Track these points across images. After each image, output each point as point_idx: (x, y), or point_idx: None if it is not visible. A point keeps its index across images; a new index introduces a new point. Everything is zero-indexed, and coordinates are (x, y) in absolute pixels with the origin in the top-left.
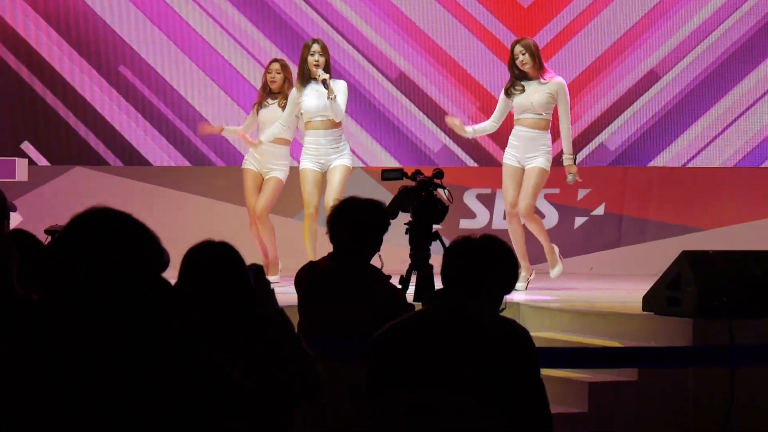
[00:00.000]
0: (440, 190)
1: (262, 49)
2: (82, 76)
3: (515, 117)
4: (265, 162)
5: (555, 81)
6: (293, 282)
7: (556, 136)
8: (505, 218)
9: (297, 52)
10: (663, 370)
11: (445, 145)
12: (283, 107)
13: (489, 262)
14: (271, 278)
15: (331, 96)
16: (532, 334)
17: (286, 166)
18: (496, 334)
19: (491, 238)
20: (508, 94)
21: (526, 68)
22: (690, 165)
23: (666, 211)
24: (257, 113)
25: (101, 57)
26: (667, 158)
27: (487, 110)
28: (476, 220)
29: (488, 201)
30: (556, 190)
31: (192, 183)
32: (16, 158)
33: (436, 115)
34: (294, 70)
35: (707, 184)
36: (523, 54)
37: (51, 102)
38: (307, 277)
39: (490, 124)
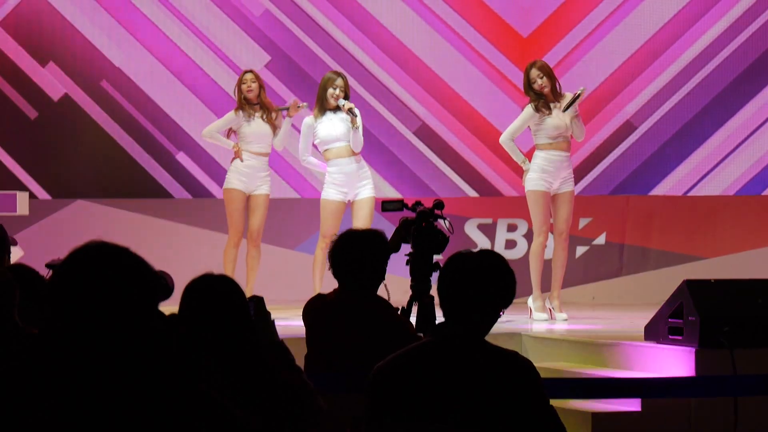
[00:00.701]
0: (441, 221)
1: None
2: (82, 109)
3: (545, 141)
4: (252, 178)
5: (565, 96)
6: (301, 314)
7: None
8: (507, 248)
9: (304, 88)
10: (666, 400)
11: (445, 176)
12: (268, 121)
13: (488, 276)
14: None
15: (355, 125)
16: (534, 364)
17: (269, 176)
18: (501, 365)
19: (488, 252)
20: (538, 111)
21: (546, 91)
22: (691, 194)
23: (667, 239)
24: (239, 121)
25: (102, 89)
26: (668, 187)
27: (484, 138)
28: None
29: (489, 231)
30: None
31: (193, 215)
32: (17, 192)
33: (437, 145)
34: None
35: (709, 212)
36: (541, 78)
37: (52, 135)
38: (314, 310)
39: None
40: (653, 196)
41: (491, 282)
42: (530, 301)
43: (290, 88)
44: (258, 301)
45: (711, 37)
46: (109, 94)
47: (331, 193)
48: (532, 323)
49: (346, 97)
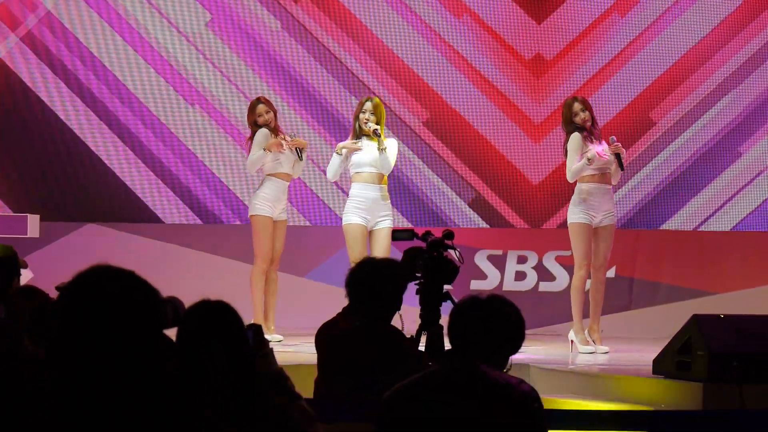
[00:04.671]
0: (451, 251)
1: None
2: (93, 133)
3: (588, 173)
4: (276, 203)
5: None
6: (310, 341)
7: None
8: (517, 279)
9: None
10: None
11: (456, 206)
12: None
13: (497, 322)
14: (273, 337)
15: (381, 147)
16: (541, 396)
17: (286, 202)
18: (506, 393)
19: (498, 297)
20: (584, 141)
21: (588, 125)
22: (701, 228)
23: (677, 274)
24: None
25: (112, 114)
26: (678, 222)
27: (496, 169)
28: (487, 281)
29: (499, 262)
30: (567, 252)
31: (203, 241)
32: (28, 214)
33: (449, 176)
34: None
35: (719, 247)
36: (584, 111)
37: (62, 158)
38: (326, 336)
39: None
40: (663, 230)
41: (499, 332)
42: (572, 334)
43: (310, 123)
44: (256, 330)
45: (722, 76)
46: (120, 118)
47: (352, 218)
48: (576, 356)
49: (380, 120)
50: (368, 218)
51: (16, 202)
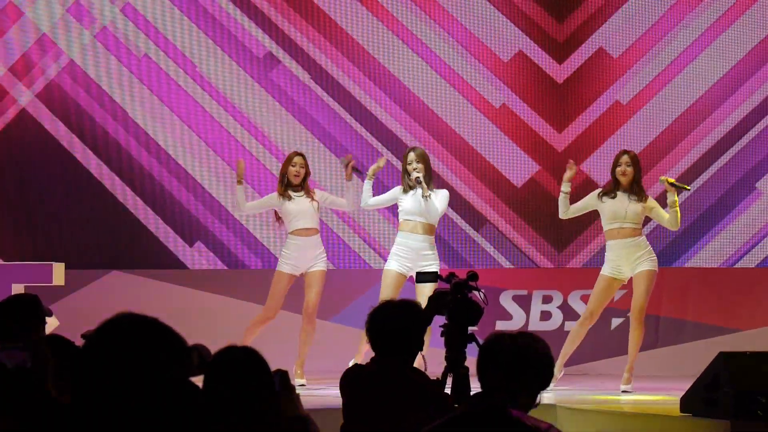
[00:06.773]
0: (475, 292)
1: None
2: (121, 180)
3: (605, 227)
4: (302, 259)
5: (650, 200)
6: (336, 385)
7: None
8: (542, 319)
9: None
10: None
11: (481, 247)
12: (309, 198)
13: (525, 359)
14: (296, 381)
15: (425, 194)
16: None
17: (324, 253)
18: None
19: (526, 334)
20: (600, 197)
21: (624, 179)
22: (727, 266)
23: (703, 312)
24: (280, 202)
25: (135, 161)
26: (703, 259)
27: (519, 210)
28: (513, 321)
29: (524, 302)
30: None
31: (228, 286)
32: (52, 263)
33: (472, 217)
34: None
35: (744, 284)
36: (629, 165)
37: (86, 205)
38: (352, 380)
39: (566, 209)
40: (688, 268)
41: (527, 366)
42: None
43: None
44: (282, 375)
45: (750, 106)
46: (143, 165)
47: (391, 263)
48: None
49: (427, 169)
50: (409, 266)
51: (40, 250)
